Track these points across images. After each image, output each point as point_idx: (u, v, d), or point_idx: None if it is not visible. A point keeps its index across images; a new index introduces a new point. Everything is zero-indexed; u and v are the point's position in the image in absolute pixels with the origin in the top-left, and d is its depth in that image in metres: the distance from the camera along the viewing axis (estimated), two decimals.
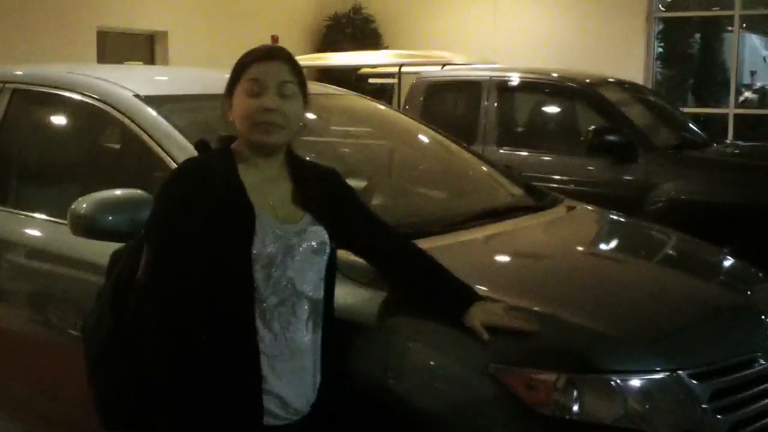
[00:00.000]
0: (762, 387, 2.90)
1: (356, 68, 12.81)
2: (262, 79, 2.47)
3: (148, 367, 2.38)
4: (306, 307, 2.49)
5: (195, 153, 3.19)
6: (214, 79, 4.42)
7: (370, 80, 13.29)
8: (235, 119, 2.51)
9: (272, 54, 2.53)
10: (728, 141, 10.12)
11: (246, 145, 2.52)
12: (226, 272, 2.37)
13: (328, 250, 2.55)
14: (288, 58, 2.54)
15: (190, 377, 2.34)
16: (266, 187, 2.51)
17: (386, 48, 15.02)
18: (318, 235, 2.52)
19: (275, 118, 2.46)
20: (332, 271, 2.61)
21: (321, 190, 2.62)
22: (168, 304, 2.36)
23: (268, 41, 14.78)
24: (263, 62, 2.50)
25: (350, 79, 12.89)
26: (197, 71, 5.20)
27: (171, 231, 2.40)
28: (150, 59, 14.15)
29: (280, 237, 2.43)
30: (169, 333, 2.35)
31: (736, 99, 14.45)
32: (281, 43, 14.19)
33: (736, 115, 14.05)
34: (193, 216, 2.37)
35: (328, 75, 12.88)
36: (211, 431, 2.38)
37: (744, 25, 14.87)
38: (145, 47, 14.19)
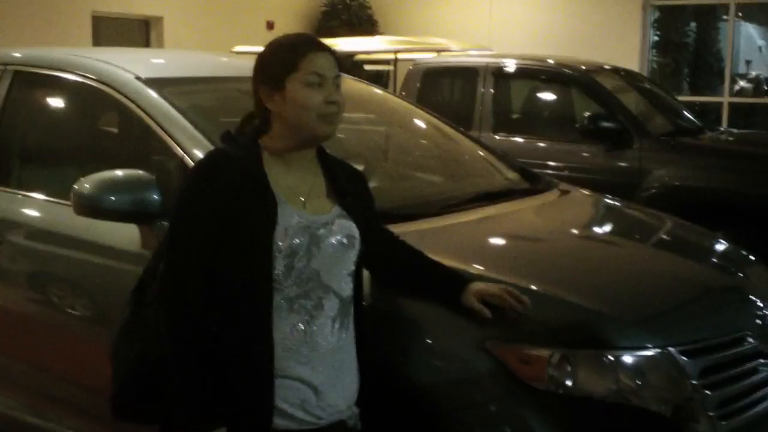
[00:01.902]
0: (750, 365, 2.98)
1: (352, 54, 12.83)
2: (324, 72, 2.43)
3: (164, 356, 2.35)
4: (334, 304, 2.43)
5: (196, 134, 3.28)
6: (213, 62, 4.51)
7: (366, 67, 13.31)
8: (288, 110, 2.43)
9: (323, 45, 2.49)
10: (722, 128, 10.16)
11: (300, 136, 2.46)
12: (246, 262, 2.33)
13: (357, 246, 2.50)
14: (332, 50, 2.51)
15: (204, 365, 2.30)
16: (295, 179, 2.47)
17: (382, 34, 15.03)
18: (347, 228, 2.48)
19: (338, 110, 2.45)
20: (360, 270, 2.58)
21: (352, 188, 2.60)
22: (184, 292, 2.32)
23: (263, 26, 14.83)
24: (320, 53, 2.46)
25: (346, 65, 12.91)
26: (197, 54, 5.24)
27: (192, 220, 2.37)
28: (145, 44, 14.14)
29: (306, 227, 2.38)
30: (184, 320, 2.31)
31: (731, 88, 14.50)
32: (277, 29, 14.25)
33: (730, 104, 14.09)
34: (215, 206, 2.33)
35: None
36: (222, 422, 2.32)
37: (740, 14, 14.91)
38: (140, 32, 14.19)
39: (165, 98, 3.48)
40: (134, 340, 2.52)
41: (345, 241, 2.46)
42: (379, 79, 13.56)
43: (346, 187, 2.57)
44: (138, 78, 3.60)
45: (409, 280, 2.81)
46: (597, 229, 4.13)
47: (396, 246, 2.83)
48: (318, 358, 2.39)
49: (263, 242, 2.33)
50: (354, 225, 2.50)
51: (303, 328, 2.37)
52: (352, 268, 2.50)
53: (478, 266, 2.98)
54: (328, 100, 2.42)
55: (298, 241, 2.36)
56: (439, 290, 2.77)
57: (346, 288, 2.48)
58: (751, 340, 3.02)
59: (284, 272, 2.35)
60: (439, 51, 10.48)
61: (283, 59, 2.45)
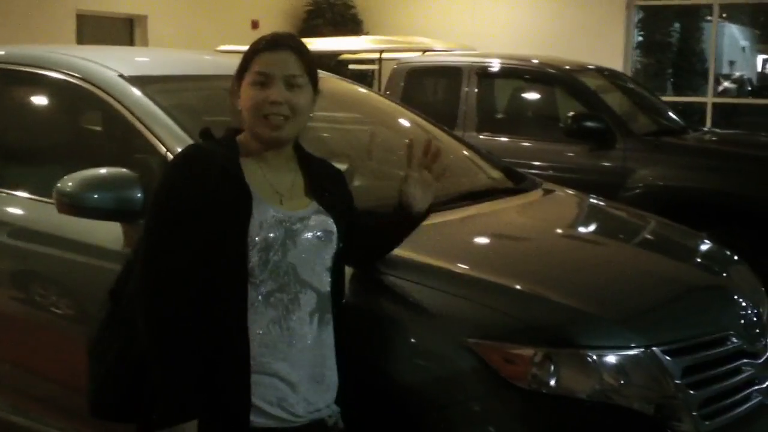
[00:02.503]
0: (733, 364, 2.99)
1: (336, 54, 12.82)
2: (269, 71, 2.41)
3: (141, 353, 2.33)
4: (312, 298, 2.42)
5: (179, 132, 3.27)
6: (197, 61, 4.49)
7: (351, 66, 13.31)
8: (242, 110, 2.44)
9: (280, 43, 2.46)
10: (705, 129, 10.20)
11: (253, 136, 2.46)
12: (221, 256, 2.32)
13: (335, 241, 2.49)
14: (296, 48, 2.47)
15: (182, 360, 2.28)
16: (272, 176, 2.46)
17: (366, 34, 15.03)
18: (323, 224, 2.47)
19: (281, 111, 2.39)
20: (340, 266, 2.56)
21: (330, 186, 2.59)
22: (160, 288, 2.31)
23: (248, 25, 14.81)
24: (271, 52, 2.44)
25: (330, 64, 12.90)
26: (180, 52, 5.22)
27: (168, 216, 2.35)
28: (129, 43, 14.10)
29: (281, 221, 2.38)
30: (163, 314, 2.29)
31: (715, 88, 14.56)
32: (262, 29, 14.24)
33: (714, 104, 14.15)
34: (190, 202, 2.32)
35: None
36: (196, 414, 2.29)
37: (723, 14, 14.99)
38: (124, 31, 14.15)
39: (148, 96, 3.47)
40: (113, 339, 2.50)
41: (321, 235, 2.46)
42: (363, 78, 13.56)
43: (324, 185, 2.56)
44: (121, 76, 3.60)
45: (380, 244, 2.82)
46: (581, 228, 4.14)
47: (369, 234, 2.77)
48: (296, 354, 2.38)
49: (237, 235, 2.33)
50: (331, 220, 2.49)
51: (280, 323, 2.36)
52: (330, 263, 2.49)
53: (461, 265, 2.98)
54: (268, 100, 2.39)
55: (273, 235, 2.36)
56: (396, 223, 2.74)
57: (324, 283, 2.47)
58: (734, 339, 3.03)
59: (258, 265, 2.34)
60: (423, 51, 10.47)
61: (243, 59, 2.47)
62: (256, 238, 2.34)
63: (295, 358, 2.38)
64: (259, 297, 2.35)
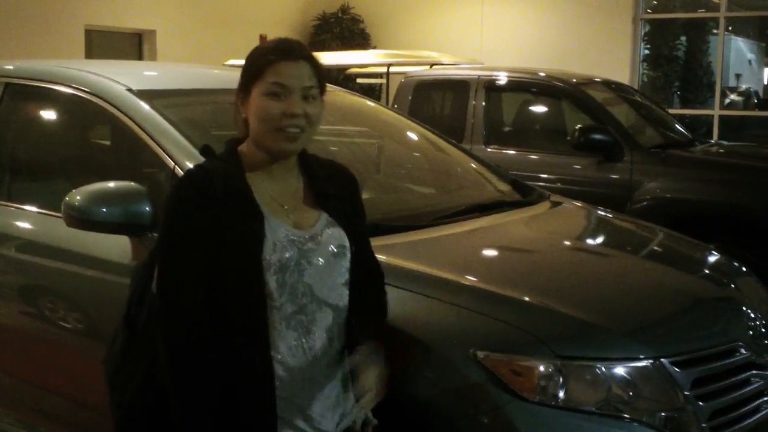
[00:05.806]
0: (742, 376, 2.98)
1: (344, 68, 12.85)
2: (287, 83, 2.30)
3: (162, 382, 2.28)
4: (328, 315, 2.36)
5: (187, 146, 3.27)
6: (205, 75, 4.51)
7: (359, 80, 13.34)
8: (251, 119, 2.34)
9: (297, 53, 2.35)
10: (712, 141, 10.19)
11: (260, 147, 2.36)
12: (238, 280, 2.25)
13: (348, 254, 2.41)
14: (311, 59, 2.37)
15: (204, 390, 2.23)
16: (278, 189, 2.38)
17: (374, 48, 15.06)
18: (335, 238, 2.39)
19: (300, 123, 2.30)
20: (354, 276, 2.46)
21: (336, 190, 2.48)
22: (178, 318, 2.24)
23: (255, 40, 14.80)
24: (288, 62, 2.32)
25: (338, 78, 12.94)
26: (188, 67, 5.25)
27: (179, 242, 2.28)
28: (138, 58, 14.15)
29: (293, 242, 2.30)
30: (181, 346, 2.23)
31: (721, 101, 14.55)
32: None
33: (720, 117, 14.14)
34: (199, 226, 2.24)
35: None
36: None
37: (730, 27, 14.98)
38: (133, 46, 14.20)
39: (156, 110, 3.48)
40: (134, 368, 2.44)
41: (336, 250, 2.39)
42: (371, 92, 13.60)
43: (326, 189, 2.46)
44: (129, 90, 3.61)
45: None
46: (589, 241, 4.14)
47: (372, 279, 2.63)
48: (321, 372, 2.35)
49: (252, 258, 2.26)
50: (343, 232, 2.42)
51: (303, 345, 2.32)
52: (347, 276, 2.42)
53: (469, 277, 2.98)
54: (287, 112, 2.29)
55: (287, 255, 2.29)
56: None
57: (342, 298, 2.41)
58: (743, 350, 3.03)
59: (277, 288, 2.28)
60: (431, 64, 10.49)
61: (252, 65, 2.36)
62: (271, 260, 2.27)
63: (320, 376, 2.35)
64: (282, 321, 2.29)
